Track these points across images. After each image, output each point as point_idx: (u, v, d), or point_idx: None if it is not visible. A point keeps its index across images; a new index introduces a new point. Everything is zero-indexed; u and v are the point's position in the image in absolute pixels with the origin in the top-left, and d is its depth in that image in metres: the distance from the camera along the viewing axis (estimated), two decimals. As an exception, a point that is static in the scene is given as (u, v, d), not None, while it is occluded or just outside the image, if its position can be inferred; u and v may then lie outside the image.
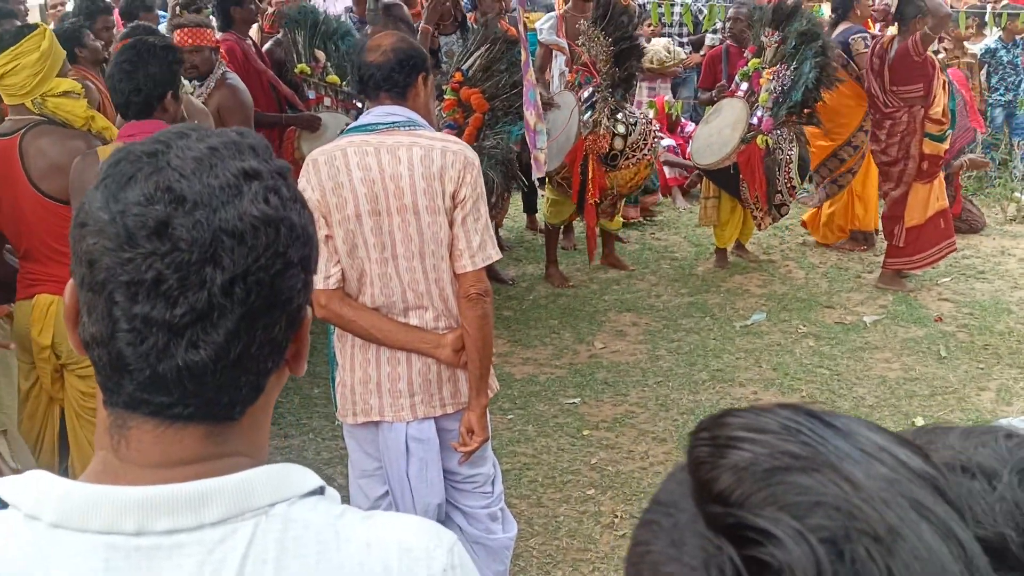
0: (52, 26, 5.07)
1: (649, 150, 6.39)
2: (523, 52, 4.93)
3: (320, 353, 5.59)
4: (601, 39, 6.17)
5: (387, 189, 2.67)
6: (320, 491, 0.93)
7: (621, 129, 6.21)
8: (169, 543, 0.84)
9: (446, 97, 5.49)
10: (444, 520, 3.02)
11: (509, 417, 4.83)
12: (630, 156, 6.27)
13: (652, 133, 6.49)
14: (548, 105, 5.80)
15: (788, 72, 6.36)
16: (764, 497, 0.54)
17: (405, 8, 5.80)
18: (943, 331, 5.91)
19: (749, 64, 6.58)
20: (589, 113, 6.21)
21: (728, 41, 7.13)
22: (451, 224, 2.71)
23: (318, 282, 2.73)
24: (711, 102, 7.00)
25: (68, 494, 0.85)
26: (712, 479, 0.57)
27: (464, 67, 5.54)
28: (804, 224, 7.75)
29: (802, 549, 0.52)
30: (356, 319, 2.78)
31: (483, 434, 2.86)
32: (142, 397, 0.87)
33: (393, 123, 2.73)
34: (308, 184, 2.70)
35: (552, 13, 7.29)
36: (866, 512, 0.53)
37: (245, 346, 0.87)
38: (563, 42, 6.73)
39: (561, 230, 7.01)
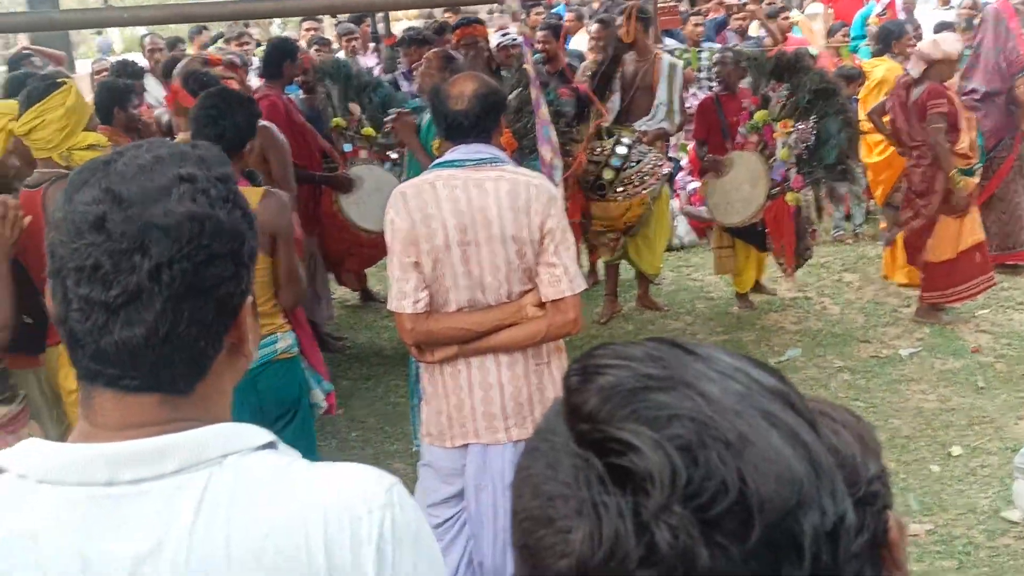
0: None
1: (647, 190, 6.24)
2: (533, 90, 5.07)
3: (360, 396, 5.75)
4: None
5: (476, 220, 2.83)
6: (272, 446, 1.05)
7: (616, 162, 6.14)
8: (135, 491, 0.99)
9: None
10: None
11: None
12: (620, 190, 6.19)
13: (656, 174, 6.30)
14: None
15: (808, 128, 6.19)
16: (627, 414, 0.60)
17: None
18: (981, 362, 5.89)
19: (756, 116, 6.39)
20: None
21: (715, 89, 6.93)
22: (540, 254, 2.87)
23: (406, 307, 2.87)
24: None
25: (49, 454, 1.01)
26: (582, 402, 0.63)
27: None
28: (886, 276, 7.51)
29: (659, 456, 0.58)
30: (441, 326, 2.91)
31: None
32: (95, 368, 1.02)
33: (479, 160, 2.91)
34: (397, 215, 2.87)
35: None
36: (718, 422, 0.59)
37: (172, 325, 1.00)
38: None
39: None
